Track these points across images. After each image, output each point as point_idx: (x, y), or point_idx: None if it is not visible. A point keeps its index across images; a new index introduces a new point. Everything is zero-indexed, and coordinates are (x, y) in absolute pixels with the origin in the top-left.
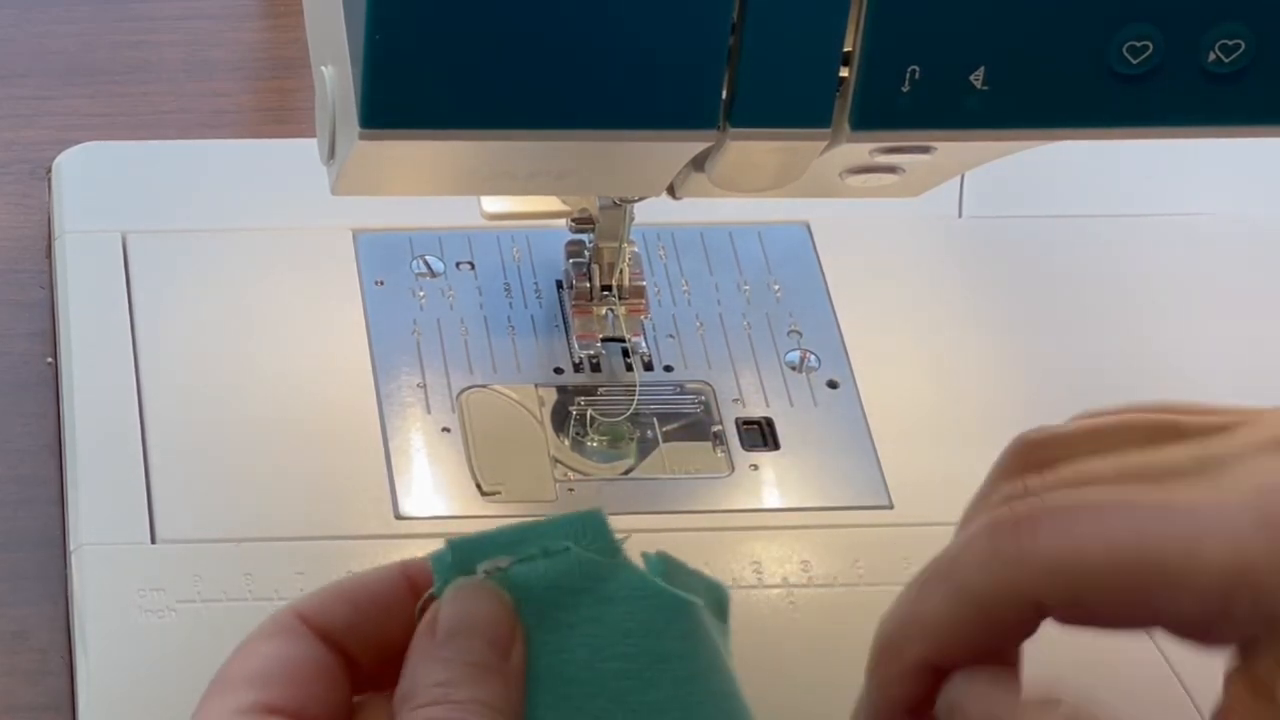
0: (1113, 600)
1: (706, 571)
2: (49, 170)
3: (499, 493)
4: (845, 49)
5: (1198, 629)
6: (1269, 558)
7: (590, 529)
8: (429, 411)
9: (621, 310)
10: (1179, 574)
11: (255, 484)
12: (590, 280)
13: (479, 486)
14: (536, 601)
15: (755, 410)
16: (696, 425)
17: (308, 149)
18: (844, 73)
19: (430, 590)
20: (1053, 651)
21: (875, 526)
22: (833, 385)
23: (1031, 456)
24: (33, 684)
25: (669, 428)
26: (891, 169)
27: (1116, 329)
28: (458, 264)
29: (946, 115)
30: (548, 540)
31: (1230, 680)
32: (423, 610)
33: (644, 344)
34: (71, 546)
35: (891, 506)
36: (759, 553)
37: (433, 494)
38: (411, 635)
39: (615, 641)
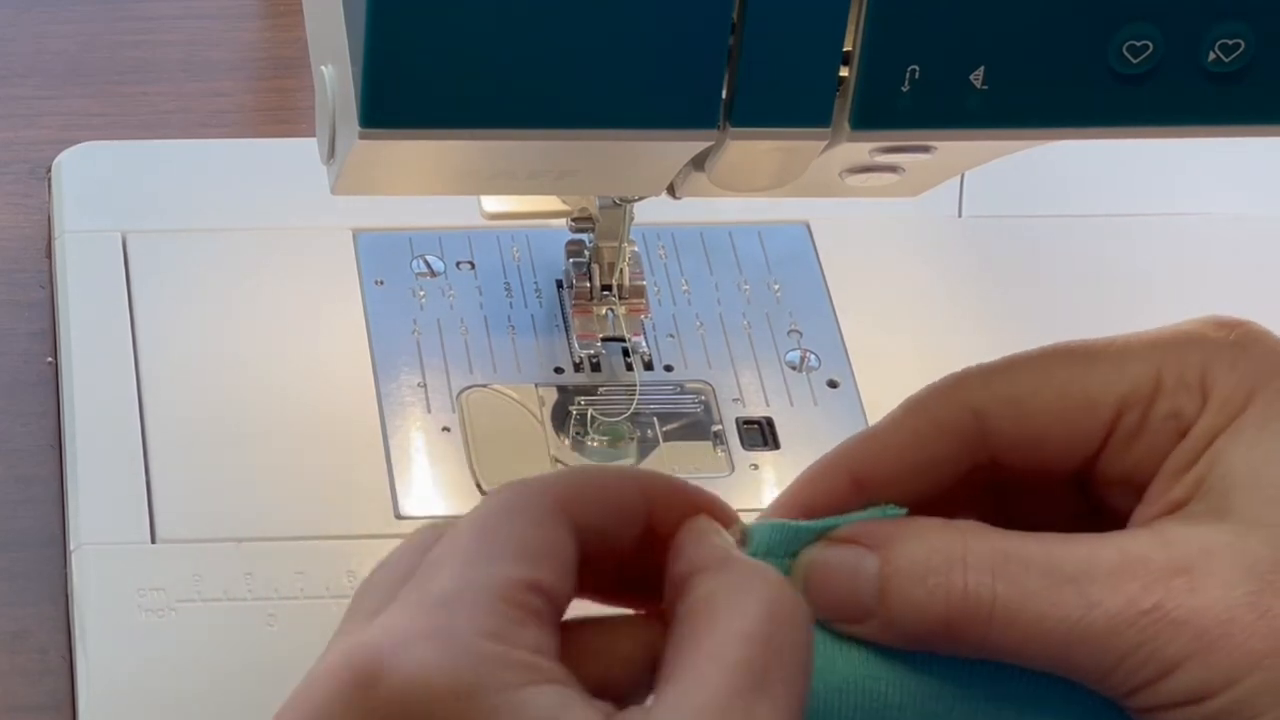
0: (1049, 395)
1: None
2: (49, 170)
3: None
4: (845, 49)
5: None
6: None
7: None
8: (429, 411)
9: (621, 310)
10: (1110, 354)
11: (255, 484)
12: (590, 280)
13: (479, 486)
14: None
15: (755, 410)
16: (696, 425)
17: (308, 149)
18: (844, 72)
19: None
20: None
21: None
22: (833, 385)
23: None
24: (33, 684)
25: (669, 427)
26: (891, 169)
27: (1116, 329)
28: (458, 264)
29: (946, 115)
30: None
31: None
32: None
33: (644, 344)
34: (71, 546)
35: None
36: None
37: (433, 494)
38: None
39: None
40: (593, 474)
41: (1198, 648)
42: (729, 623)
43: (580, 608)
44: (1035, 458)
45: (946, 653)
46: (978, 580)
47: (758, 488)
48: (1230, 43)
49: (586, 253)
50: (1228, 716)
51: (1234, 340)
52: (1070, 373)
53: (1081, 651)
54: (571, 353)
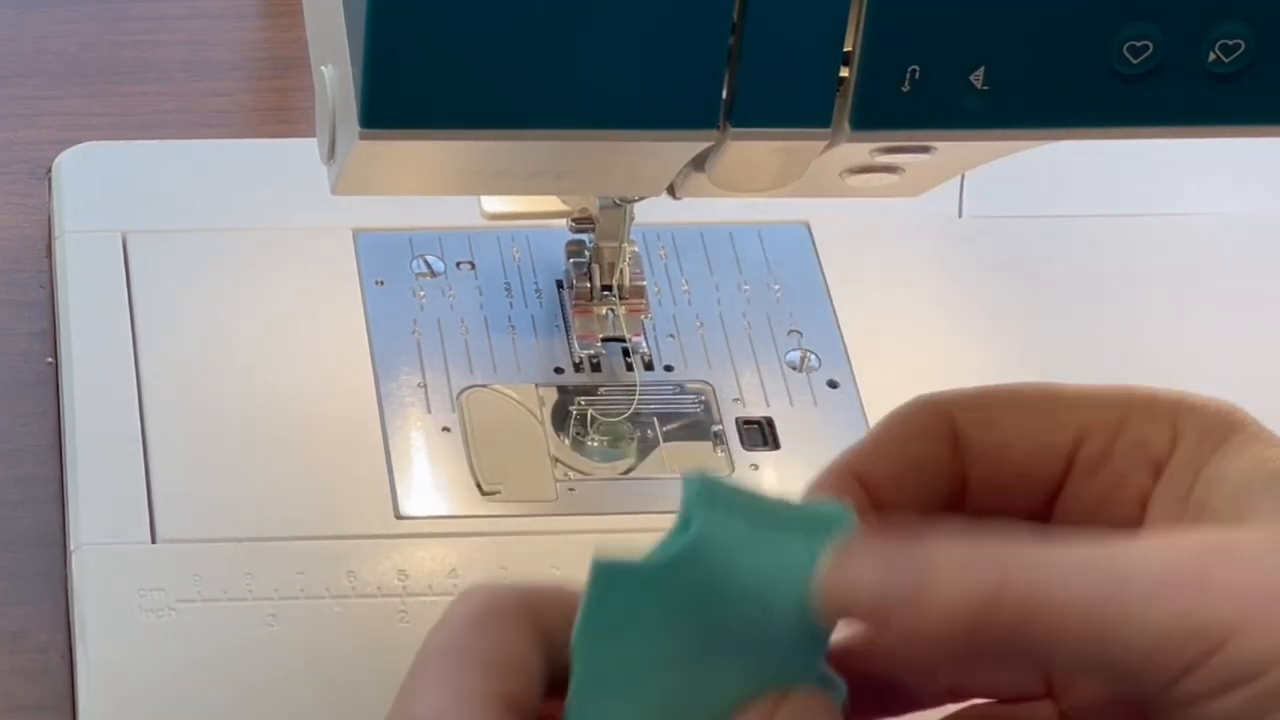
0: (1019, 418)
1: None
2: (49, 170)
3: (499, 492)
4: (845, 49)
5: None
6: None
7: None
8: (429, 411)
9: (622, 310)
10: (1076, 391)
11: (255, 484)
12: (590, 280)
13: (479, 486)
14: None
15: (755, 410)
16: (696, 425)
17: (308, 149)
18: (844, 73)
19: None
20: None
21: None
22: (833, 385)
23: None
24: (33, 684)
25: (669, 427)
26: (891, 169)
27: (1116, 329)
28: (458, 264)
29: (946, 115)
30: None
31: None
32: None
33: (644, 344)
34: (71, 546)
35: None
36: None
37: (433, 494)
38: None
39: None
40: (561, 589)
41: (1245, 620)
42: None
43: None
44: (1002, 473)
45: (973, 651)
46: (1014, 568)
47: (758, 488)
48: (1230, 43)
49: (586, 253)
50: None
51: (1189, 396)
52: (1039, 394)
53: (1123, 632)
54: (571, 353)
